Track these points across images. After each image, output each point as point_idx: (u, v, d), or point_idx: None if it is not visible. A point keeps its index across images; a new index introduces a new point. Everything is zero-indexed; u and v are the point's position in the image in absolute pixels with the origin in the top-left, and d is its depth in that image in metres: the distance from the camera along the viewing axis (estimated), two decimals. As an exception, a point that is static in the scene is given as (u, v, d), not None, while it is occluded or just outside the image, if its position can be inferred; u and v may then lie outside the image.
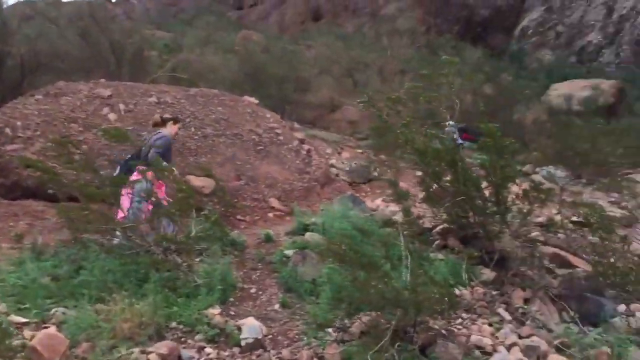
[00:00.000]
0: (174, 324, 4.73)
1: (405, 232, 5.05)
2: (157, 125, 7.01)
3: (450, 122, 11.33)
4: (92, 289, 4.84)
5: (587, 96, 22.93)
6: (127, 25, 14.79)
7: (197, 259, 5.81)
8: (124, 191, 5.97)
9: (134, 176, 6.20)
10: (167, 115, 7.37)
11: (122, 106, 10.35)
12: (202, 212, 6.34)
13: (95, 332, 4.27)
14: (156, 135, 6.76)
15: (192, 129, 10.36)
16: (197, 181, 8.68)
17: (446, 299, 4.04)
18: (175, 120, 7.20)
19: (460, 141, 9.46)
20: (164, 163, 6.23)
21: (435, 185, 6.51)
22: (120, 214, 5.88)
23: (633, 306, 5.68)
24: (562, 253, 6.53)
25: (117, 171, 6.55)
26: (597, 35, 33.53)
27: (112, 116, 10.03)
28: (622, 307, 5.70)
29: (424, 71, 7.41)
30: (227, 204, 7.65)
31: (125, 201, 6.01)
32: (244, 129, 10.96)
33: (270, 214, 9.48)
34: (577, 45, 34.51)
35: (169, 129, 6.95)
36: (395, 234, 5.91)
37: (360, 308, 4.58)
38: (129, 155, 6.78)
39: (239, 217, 9.06)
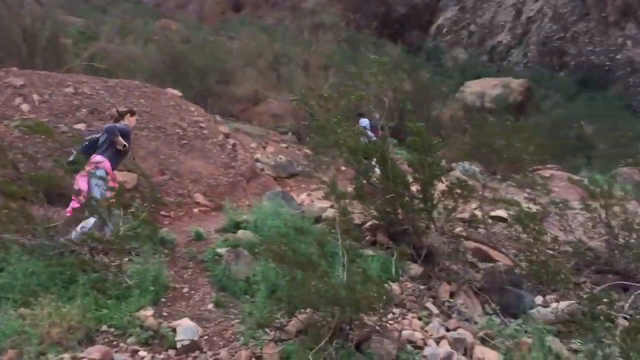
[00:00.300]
0: (104, 328, 4.56)
1: (342, 231, 5.11)
2: (116, 121, 7.02)
3: (363, 119, 11.62)
4: (15, 292, 4.59)
5: (498, 94, 24.09)
6: (39, 10, 13.95)
7: (125, 259, 5.62)
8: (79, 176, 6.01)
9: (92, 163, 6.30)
10: (122, 109, 7.40)
11: (36, 96, 9.79)
12: (130, 210, 6.16)
13: (22, 338, 4.07)
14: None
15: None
16: (119, 176, 8.38)
17: (384, 297, 4.14)
18: (132, 113, 7.31)
19: (372, 136, 9.68)
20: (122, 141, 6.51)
21: (365, 182, 6.64)
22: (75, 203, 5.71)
23: (549, 297, 6.07)
24: (484, 247, 6.85)
25: (72, 158, 6.52)
26: (506, 35, 35.20)
27: (25, 107, 9.47)
28: (539, 299, 6.07)
29: (353, 69, 7.52)
30: (156, 200, 7.45)
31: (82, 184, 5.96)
32: (168, 122, 10.67)
33: (195, 210, 9.30)
34: (488, 45, 36.11)
35: (127, 122, 7.04)
36: (328, 230, 6.01)
37: (296, 306, 4.61)
38: (86, 142, 6.79)
39: (162, 212, 8.83)
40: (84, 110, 9.97)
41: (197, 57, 16.88)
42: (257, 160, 11.86)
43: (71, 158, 6.50)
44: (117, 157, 6.73)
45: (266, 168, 11.86)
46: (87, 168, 6.04)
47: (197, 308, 5.20)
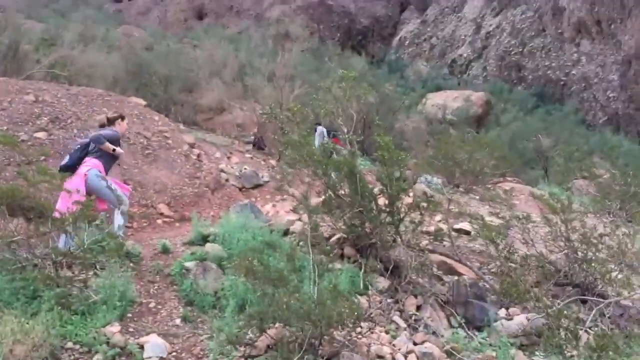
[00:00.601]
0: (69, 344, 4.45)
1: (311, 244, 5.13)
2: (103, 126, 6.93)
3: (319, 127, 11.64)
4: (-24, 309, 4.44)
5: (459, 107, 24.52)
6: (-1, 15, 13.63)
7: (90, 273, 5.51)
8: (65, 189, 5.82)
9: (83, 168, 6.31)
10: (112, 115, 7.26)
11: (-6, 104, 9.57)
12: (94, 222, 6.04)
13: (-16, 357, 3.94)
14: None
15: (75, 131, 9.79)
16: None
17: (355, 312, 4.17)
18: (122, 117, 7.16)
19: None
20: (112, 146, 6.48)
21: (333, 195, 6.66)
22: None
23: (511, 310, 6.21)
24: (449, 261, 6.95)
25: (65, 161, 6.50)
26: (466, 49, 35.96)
27: (-17, 114, 9.24)
28: (502, 312, 6.19)
29: (321, 83, 7.57)
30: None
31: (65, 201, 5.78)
32: (131, 131, 10.54)
33: (159, 221, 9.19)
34: (449, 58, 36.83)
35: (118, 127, 6.95)
36: (297, 244, 6.01)
37: (266, 321, 4.59)
38: (78, 145, 6.67)
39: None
40: (45, 118, 9.78)
41: (161, 65, 16.72)
42: (221, 170, 11.79)
43: (64, 162, 6.48)
44: (110, 161, 6.69)
45: (231, 179, 11.80)
46: (65, 185, 5.88)
47: (165, 323, 5.12)
